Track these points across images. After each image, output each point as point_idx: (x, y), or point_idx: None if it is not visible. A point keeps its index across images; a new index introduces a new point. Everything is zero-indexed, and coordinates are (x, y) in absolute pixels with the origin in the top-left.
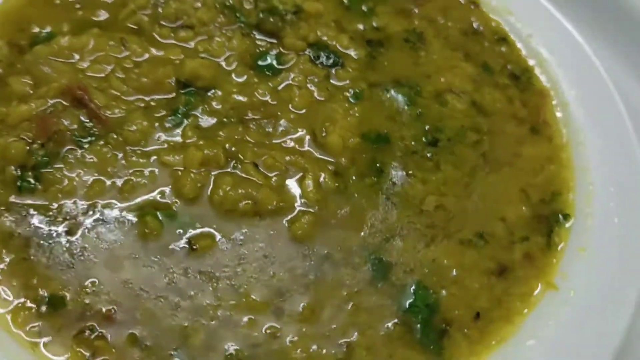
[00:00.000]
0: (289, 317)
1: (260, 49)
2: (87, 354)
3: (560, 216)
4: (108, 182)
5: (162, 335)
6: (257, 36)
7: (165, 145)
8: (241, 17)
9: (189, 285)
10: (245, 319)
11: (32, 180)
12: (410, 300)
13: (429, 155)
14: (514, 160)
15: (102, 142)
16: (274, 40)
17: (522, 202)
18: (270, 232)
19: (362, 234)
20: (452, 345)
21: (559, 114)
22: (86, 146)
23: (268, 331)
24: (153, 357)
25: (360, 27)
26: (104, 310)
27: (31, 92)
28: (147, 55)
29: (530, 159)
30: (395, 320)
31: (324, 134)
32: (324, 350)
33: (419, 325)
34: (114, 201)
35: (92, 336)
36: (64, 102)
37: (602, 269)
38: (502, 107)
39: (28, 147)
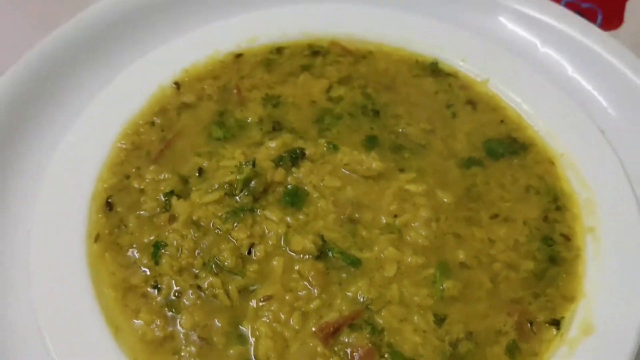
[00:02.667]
0: None
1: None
2: None
3: None
4: None
5: None
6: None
7: None
8: (246, 208)
9: None
10: None
11: None
12: None
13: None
14: None
15: (382, 312)
16: (272, 188)
17: None
18: None
19: None
20: None
21: None
22: (382, 321)
23: None
24: None
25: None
26: None
27: None
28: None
29: None
30: None
31: (372, 166)
32: None
33: None
34: None
35: None
36: (334, 343)
37: None
38: None
39: None
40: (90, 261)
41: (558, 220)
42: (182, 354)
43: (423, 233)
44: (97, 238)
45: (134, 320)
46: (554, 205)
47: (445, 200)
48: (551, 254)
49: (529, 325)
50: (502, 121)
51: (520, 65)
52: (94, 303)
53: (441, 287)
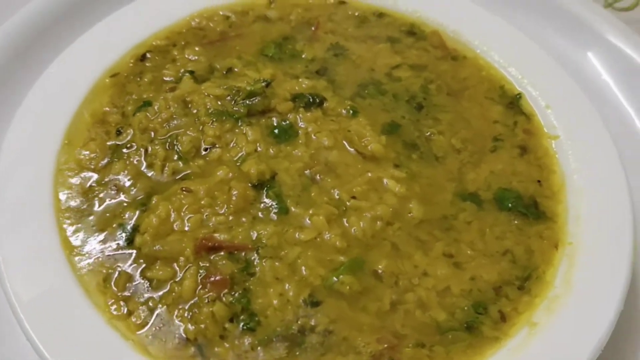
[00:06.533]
0: None
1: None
2: None
3: None
4: None
5: None
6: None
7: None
8: (234, 116)
9: None
10: None
11: (247, 320)
12: None
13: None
14: None
15: (265, 261)
16: (270, 114)
17: None
18: None
19: None
20: None
21: None
22: (259, 268)
23: None
24: None
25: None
26: None
27: (175, 268)
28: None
29: None
30: None
31: (370, 147)
32: None
33: None
34: None
35: None
36: (205, 257)
37: None
38: None
39: (223, 301)
40: (95, 89)
41: (509, 297)
42: (95, 189)
43: (362, 225)
44: (114, 75)
45: (83, 150)
46: (518, 282)
47: (411, 214)
48: (471, 321)
49: None
50: (539, 181)
51: (605, 145)
52: (68, 116)
53: (336, 278)
